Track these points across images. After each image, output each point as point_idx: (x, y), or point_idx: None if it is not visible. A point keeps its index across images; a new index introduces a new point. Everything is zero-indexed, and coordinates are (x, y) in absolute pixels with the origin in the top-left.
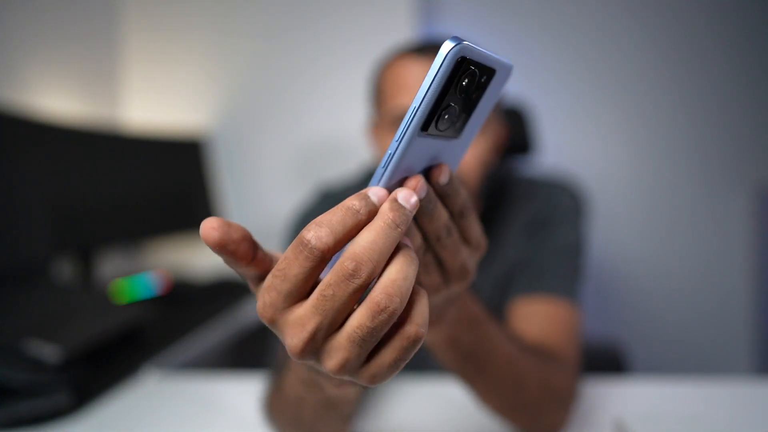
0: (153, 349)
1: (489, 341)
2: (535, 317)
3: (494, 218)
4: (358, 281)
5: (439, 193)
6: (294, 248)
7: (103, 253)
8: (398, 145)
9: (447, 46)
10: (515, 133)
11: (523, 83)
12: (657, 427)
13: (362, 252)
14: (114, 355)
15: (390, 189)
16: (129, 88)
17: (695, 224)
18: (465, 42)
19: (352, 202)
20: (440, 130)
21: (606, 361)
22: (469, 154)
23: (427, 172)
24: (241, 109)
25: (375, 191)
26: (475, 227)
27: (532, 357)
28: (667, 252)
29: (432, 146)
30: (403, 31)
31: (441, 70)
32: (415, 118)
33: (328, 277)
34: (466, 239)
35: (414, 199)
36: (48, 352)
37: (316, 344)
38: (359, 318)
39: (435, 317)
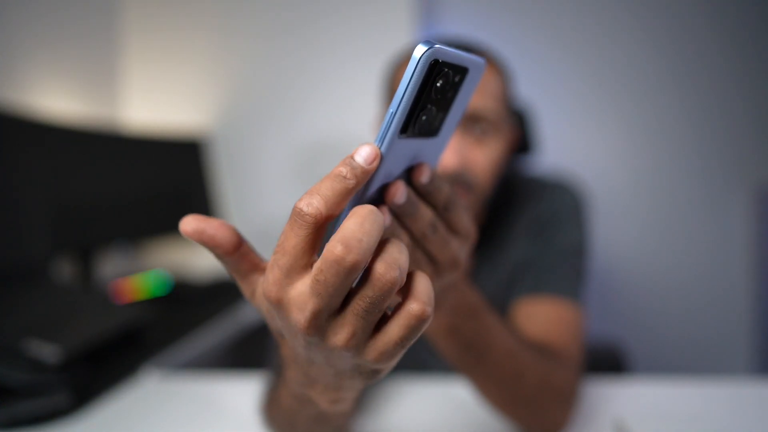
0: (153, 349)
1: (489, 332)
2: (539, 317)
3: (497, 219)
4: (347, 264)
5: (421, 191)
6: (289, 221)
7: (103, 253)
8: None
9: (419, 50)
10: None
11: (524, 83)
12: (657, 427)
13: (351, 235)
14: (114, 355)
15: (372, 192)
16: (129, 88)
17: (695, 224)
18: (437, 45)
19: (339, 168)
20: (419, 131)
21: (606, 361)
22: (483, 156)
23: (409, 172)
24: (241, 109)
25: (361, 152)
26: (462, 218)
27: (532, 352)
28: (667, 252)
29: (412, 147)
30: (404, 31)
31: (415, 74)
32: (393, 123)
33: (318, 262)
34: (454, 231)
35: (400, 194)
36: (48, 352)
37: (320, 321)
38: (361, 290)
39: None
